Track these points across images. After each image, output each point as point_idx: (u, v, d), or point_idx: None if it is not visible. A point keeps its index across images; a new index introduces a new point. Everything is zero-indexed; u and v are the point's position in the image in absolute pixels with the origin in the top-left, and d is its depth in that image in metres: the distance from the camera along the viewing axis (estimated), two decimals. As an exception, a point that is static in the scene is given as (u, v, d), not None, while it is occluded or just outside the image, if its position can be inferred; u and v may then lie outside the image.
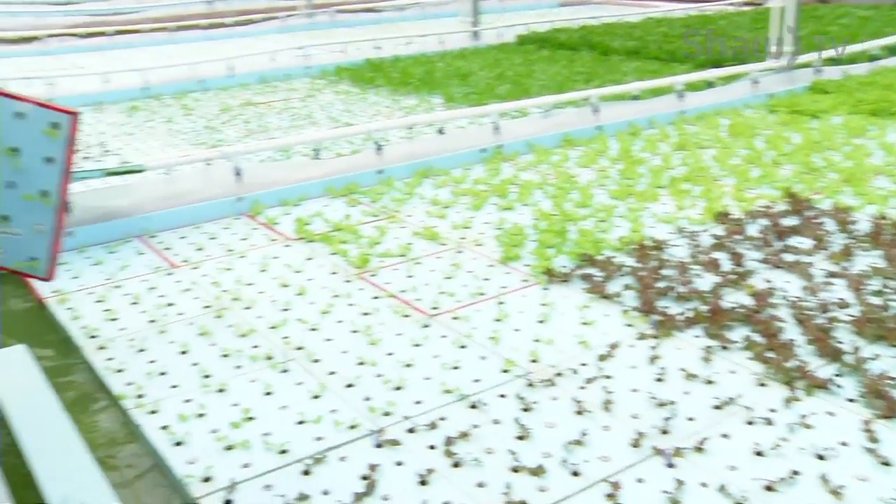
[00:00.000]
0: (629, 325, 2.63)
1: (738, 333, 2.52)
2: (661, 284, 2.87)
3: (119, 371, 2.45)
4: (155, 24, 10.84)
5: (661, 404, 2.17)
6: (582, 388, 2.27)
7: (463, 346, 2.51)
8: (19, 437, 2.08)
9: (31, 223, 2.28)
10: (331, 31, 10.56)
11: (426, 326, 2.66)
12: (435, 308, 2.78)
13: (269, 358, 2.48)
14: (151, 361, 2.50)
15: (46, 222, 2.28)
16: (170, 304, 2.89)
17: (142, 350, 2.57)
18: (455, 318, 2.70)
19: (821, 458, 1.94)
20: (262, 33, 10.58)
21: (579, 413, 2.15)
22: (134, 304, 2.91)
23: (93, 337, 2.67)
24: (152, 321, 2.77)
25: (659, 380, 2.29)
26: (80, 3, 14.07)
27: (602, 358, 2.42)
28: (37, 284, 3.06)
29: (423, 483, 1.89)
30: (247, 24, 11.03)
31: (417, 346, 2.53)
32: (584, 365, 2.40)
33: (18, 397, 2.31)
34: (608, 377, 2.32)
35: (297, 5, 12.23)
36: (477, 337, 2.57)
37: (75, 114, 2.26)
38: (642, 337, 2.54)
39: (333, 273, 3.10)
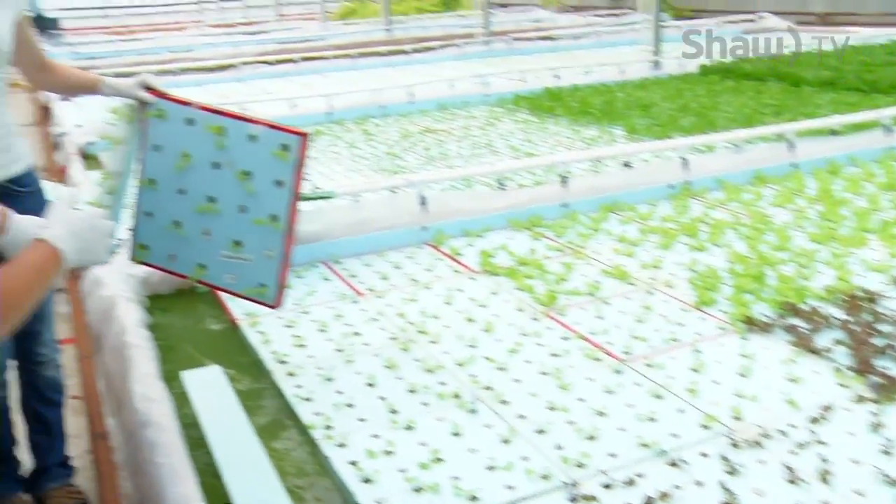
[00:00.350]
0: (843, 386, 2.40)
1: (974, 403, 2.26)
2: (877, 341, 2.62)
3: (308, 400, 2.46)
4: (338, 50, 11.23)
5: (892, 483, 1.95)
6: (793, 453, 2.09)
7: (658, 397, 2.37)
8: (217, 459, 2.11)
9: (261, 248, 2.25)
10: (508, 59, 10.59)
11: (618, 372, 2.53)
12: (627, 353, 2.65)
13: (457, 396, 2.43)
14: (339, 392, 2.50)
15: (275, 247, 2.24)
16: (356, 334, 2.90)
17: (329, 379, 2.58)
18: (649, 365, 2.56)
19: None
20: (440, 60, 10.74)
21: (792, 482, 1.97)
22: (321, 331, 2.94)
23: (282, 362, 2.71)
24: (339, 350, 2.78)
25: (885, 452, 2.07)
26: (271, 31, 14.80)
27: (814, 421, 2.22)
28: (230, 304, 3.15)
29: (623, 547, 1.78)
30: (425, 52, 11.23)
31: (610, 392, 2.41)
32: (793, 427, 2.20)
33: (216, 418, 2.36)
34: (823, 443, 2.12)
35: (474, 33, 12.38)
36: (673, 387, 2.42)
37: (305, 135, 2.21)
38: (860, 400, 2.32)
39: (520, 310, 3.03)
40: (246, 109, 6.76)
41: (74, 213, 1.34)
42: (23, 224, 1.50)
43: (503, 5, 20.36)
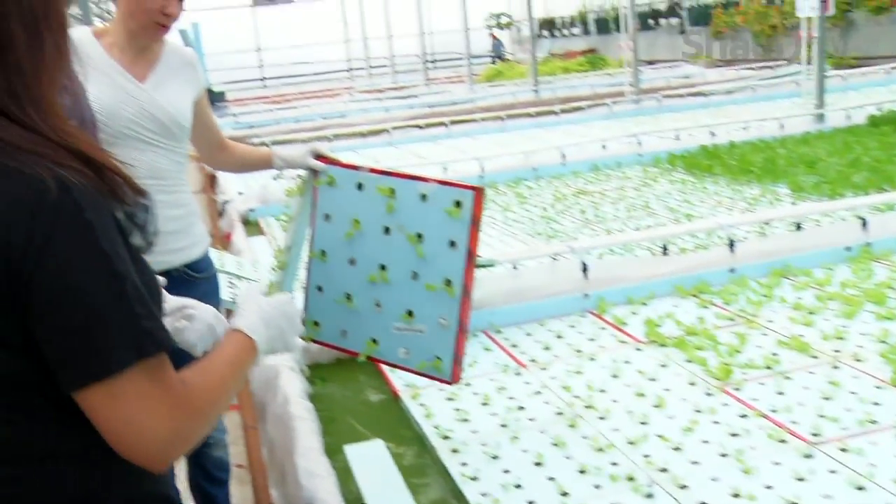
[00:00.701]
0: None
1: None
2: None
3: (474, 479, 2.37)
4: (487, 113, 11.34)
5: None
6: None
7: (861, 488, 2.15)
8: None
9: (434, 317, 2.09)
10: (659, 117, 10.39)
11: (808, 457, 2.32)
12: (816, 434, 2.43)
13: (631, 479, 2.28)
14: (506, 471, 2.40)
15: (450, 315, 2.07)
16: (520, 408, 2.80)
17: (495, 457, 2.48)
18: (844, 450, 2.33)
19: None
20: (590, 120, 10.65)
21: None
22: (484, 404, 2.86)
23: (446, 438, 2.64)
24: (504, 425, 2.69)
25: None
26: (420, 95, 15.16)
27: None
28: (391, 375, 3.12)
29: None
30: (574, 112, 11.18)
31: (801, 480, 2.21)
32: None
33: (381, 496, 2.31)
34: None
35: (623, 91, 12.26)
36: (878, 477, 2.19)
37: (479, 190, 2.05)
38: None
39: (692, 384, 2.85)
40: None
41: (265, 300, 1.32)
42: (206, 315, 1.49)
43: (650, 62, 20.18)
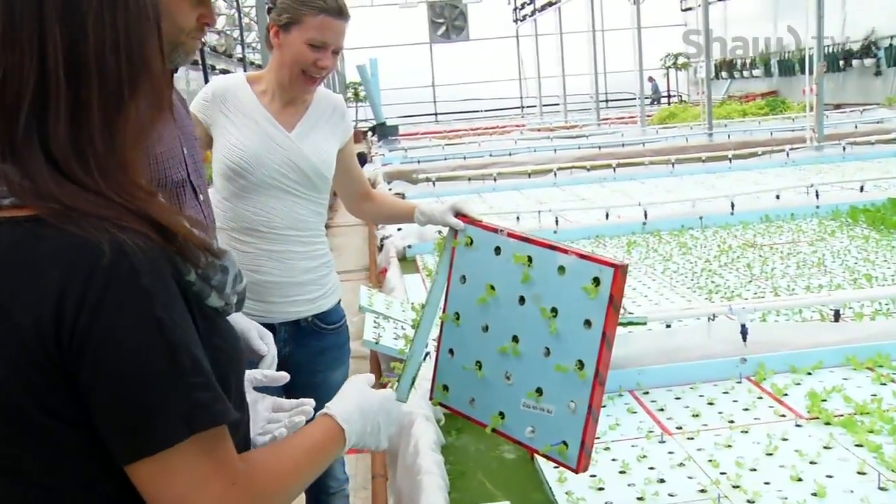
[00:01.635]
0: None
1: None
2: None
3: (604, 557, 2.20)
4: (656, 156, 11.04)
5: None
6: None
7: None
8: None
9: (564, 399, 1.97)
10: (842, 166, 9.76)
11: None
12: None
13: (779, 578, 2.05)
14: (639, 552, 2.22)
15: (580, 400, 1.95)
16: (661, 481, 2.60)
17: (629, 534, 2.30)
18: None
19: None
20: (765, 167, 10.15)
21: None
22: (622, 472, 2.68)
23: (578, 506, 2.48)
24: (641, 499, 2.50)
25: None
26: (590, 136, 14.99)
27: None
28: (528, 432, 2.99)
29: None
30: (748, 158, 10.70)
31: None
32: None
33: (499, 565, 2.19)
34: None
35: (803, 136, 11.64)
36: None
37: (620, 267, 1.92)
38: None
39: (861, 473, 2.56)
40: (563, 216, 6.75)
41: (369, 390, 1.25)
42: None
43: (838, 106, 19.13)
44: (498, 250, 2.14)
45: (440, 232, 2.29)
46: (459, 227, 2.21)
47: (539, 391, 2.02)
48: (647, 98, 29.54)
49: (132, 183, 0.99)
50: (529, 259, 2.06)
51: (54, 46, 0.95)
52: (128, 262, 0.92)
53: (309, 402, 1.42)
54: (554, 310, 2.00)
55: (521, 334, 2.07)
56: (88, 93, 0.96)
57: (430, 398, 2.35)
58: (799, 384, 3.29)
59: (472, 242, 2.20)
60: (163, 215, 0.99)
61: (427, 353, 2.49)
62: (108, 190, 0.96)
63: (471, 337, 2.17)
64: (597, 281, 1.93)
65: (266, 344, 1.80)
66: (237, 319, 1.89)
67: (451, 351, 2.23)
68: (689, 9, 29.94)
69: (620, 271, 1.92)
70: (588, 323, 1.94)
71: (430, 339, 2.38)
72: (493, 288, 2.12)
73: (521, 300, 2.07)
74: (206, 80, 6.86)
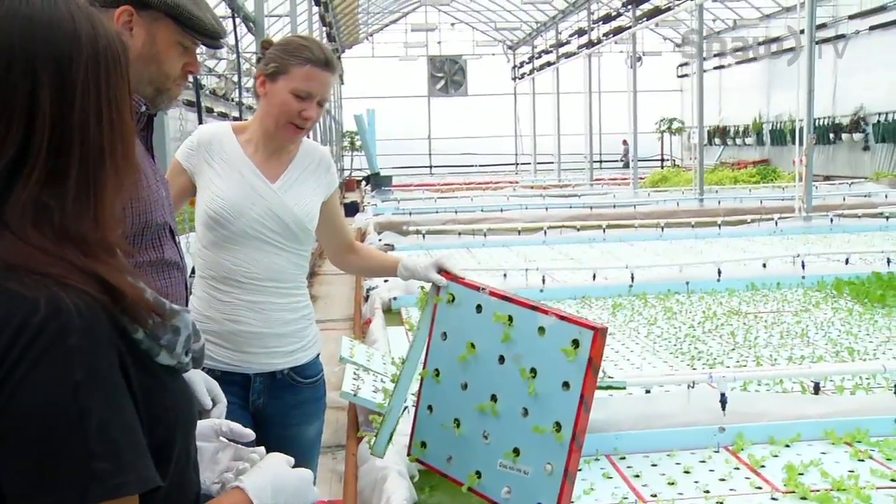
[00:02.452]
0: None
1: None
2: None
3: None
4: (646, 219, 11.11)
5: None
6: None
7: None
8: None
9: (541, 461, 1.95)
10: (829, 237, 9.85)
11: None
12: None
13: None
14: None
15: (556, 462, 1.92)
16: (634, 550, 2.57)
17: None
18: None
19: None
20: (753, 235, 10.22)
21: None
22: (595, 539, 2.65)
23: (548, 572, 2.44)
24: (613, 567, 2.47)
25: None
26: (581, 196, 15.10)
27: None
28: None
29: None
30: (737, 225, 10.78)
31: None
32: None
33: None
34: None
35: (792, 206, 11.75)
36: None
37: (600, 330, 1.91)
38: None
39: (832, 550, 2.54)
40: (550, 275, 6.76)
41: (286, 468, 1.22)
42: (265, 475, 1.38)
43: (827, 178, 19.38)
44: (479, 308, 2.14)
45: (423, 287, 2.30)
46: (442, 284, 2.21)
47: (516, 451, 2.00)
48: (619, 161, 30.47)
49: (98, 242, 0.99)
50: (510, 318, 2.06)
51: (42, 116, 0.96)
52: (58, 320, 0.91)
53: (259, 451, 1.39)
54: (533, 370, 1.99)
55: (499, 393, 2.06)
56: (68, 161, 0.97)
57: (408, 454, 2.33)
58: (777, 456, 3.28)
59: (454, 299, 2.20)
60: (112, 275, 0.97)
61: (406, 408, 2.48)
62: (58, 249, 0.95)
63: (450, 394, 2.16)
64: (576, 343, 1.92)
65: (214, 394, 1.79)
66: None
67: (430, 407, 2.22)
68: (685, 76, 30.43)
69: (600, 334, 1.92)
70: (566, 385, 1.93)
71: (409, 395, 2.37)
72: (473, 346, 2.11)
73: (501, 359, 2.07)
74: (201, 121, 6.91)
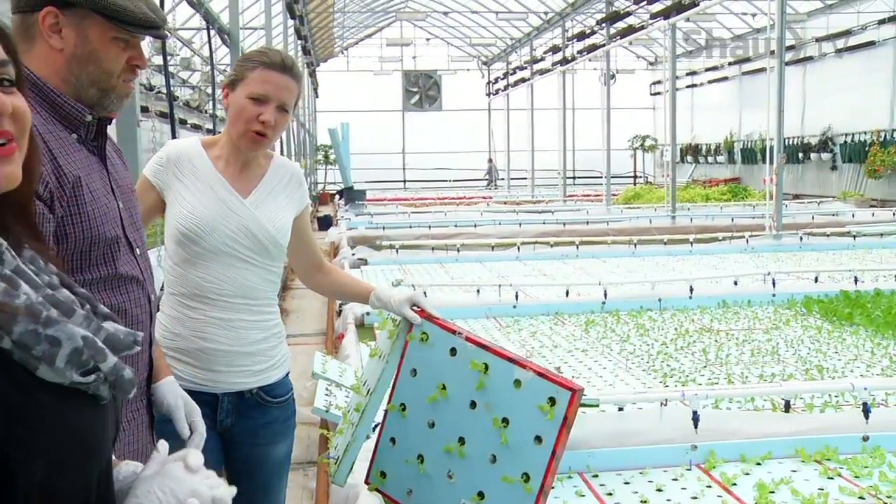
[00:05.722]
0: None
1: None
2: None
3: None
4: (619, 235, 11.16)
5: None
6: None
7: None
8: None
9: None
10: (799, 255, 9.96)
11: None
12: None
13: None
14: None
15: None
16: (606, 569, 2.56)
17: None
18: None
19: None
20: (724, 252, 10.30)
21: None
22: (567, 558, 2.63)
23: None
24: (585, 587, 2.46)
25: None
26: (555, 212, 15.15)
27: None
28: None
29: None
30: (709, 242, 10.86)
31: None
32: None
33: None
34: None
35: (763, 224, 11.87)
36: None
37: (576, 391, 1.95)
38: None
39: (803, 569, 2.54)
40: (523, 291, 6.76)
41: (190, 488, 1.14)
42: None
43: (796, 197, 19.62)
44: (454, 351, 2.13)
45: (391, 318, 2.24)
46: (416, 322, 2.17)
47: (481, 495, 2.01)
48: (484, 178, 31.56)
49: None
50: (486, 367, 2.06)
51: None
52: None
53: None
54: (505, 420, 2.00)
55: (468, 437, 2.06)
56: None
57: (366, 481, 2.30)
58: (748, 474, 3.29)
59: (427, 338, 2.18)
60: None
61: (367, 435, 2.45)
62: None
63: (415, 430, 2.15)
64: (552, 401, 1.94)
65: (192, 421, 1.75)
66: (166, 394, 1.83)
67: (392, 440, 2.20)
68: (658, 93, 30.70)
69: (577, 396, 1.95)
70: (539, 439, 1.95)
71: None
72: (444, 388, 2.11)
73: (473, 404, 2.07)
74: (174, 132, 6.86)
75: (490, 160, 32.48)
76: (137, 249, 1.79)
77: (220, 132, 2.38)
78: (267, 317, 2.29)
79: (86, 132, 1.73)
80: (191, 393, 1.85)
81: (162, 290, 2.33)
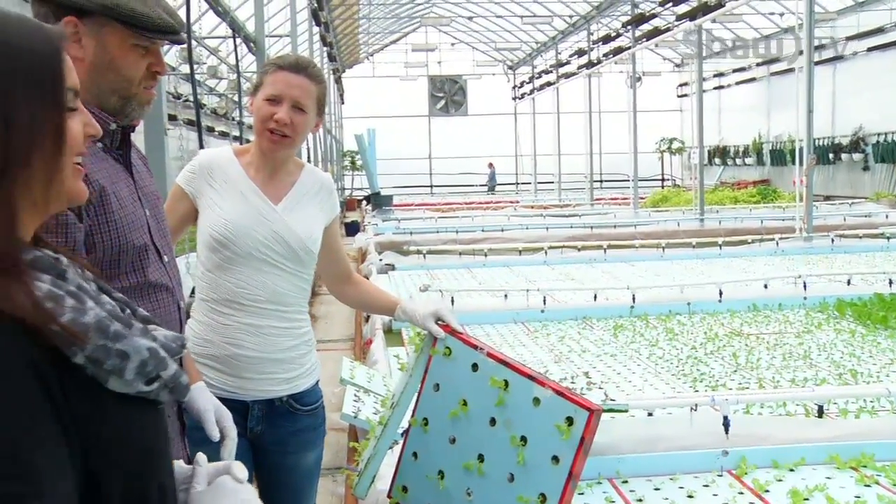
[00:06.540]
0: None
1: None
2: None
3: None
4: (647, 239, 11.10)
5: None
6: None
7: None
8: None
9: None
10: (831, 258, 9.84)
11: None
12: None
13: None
14: None
15: None
16: (637, 576, 2.54)
17: None
18: None
19: None
20: (754, 255, 10.21)
21: None
22: (598, 565, 2.61)
23: None
24: None
25: None
26: (582, 216, 15.09)
27: None
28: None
29: None
30: (738, 245, 10.77)
31: None
32: None
33: None
34: None
35: (793, 226, 11.74)
36: None
37: (595, 411, 1.93)
38: None
39: (839, 577, 2.50)
40: (551, 296, 6.74)
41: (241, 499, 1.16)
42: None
43: (827, 198, 19.40)
44: (475, 367, 2.13)
45: (418, 332, 2.25)
46: (440, 336, 2.18)
47: None
48: (483, 185, 31.45)
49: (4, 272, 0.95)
50: (506, 384, 2.06)
51: None
52: None
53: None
54: (524, 438, 2.00)
55: (487, 455, 2.06)
56: None
57: (389, 495, 2.31)
58: (781, 480, 3.24)
59: (450, 353, 2.19)
60: (30, 311, 0.93)
61: (391, 446, 2.46)
62: None
63: (437, 445, 2.16)
64: (570, 420, 1.94)
65: (224, 427, 1.75)
66: (197, 399, 1.84)
67: (415, 454, 2.21)
68: (685, 95, 30.53)
69: (595, 416, 1.93)
70: (556, 459, 1.94)
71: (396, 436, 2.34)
72: (465, 403, 2.12)
73: (493, 421, 2.07)
74: (201, 140, 6.91)
75: (490, 165, 32.32)
76: (165, 257, 1.80)
77: (247, 139, 2.41)
78: (298, 324, 2.30)
79: (110, 141, 1.74)
80: (221, 400, 1.86)
81: (192, 296, 2.34)
